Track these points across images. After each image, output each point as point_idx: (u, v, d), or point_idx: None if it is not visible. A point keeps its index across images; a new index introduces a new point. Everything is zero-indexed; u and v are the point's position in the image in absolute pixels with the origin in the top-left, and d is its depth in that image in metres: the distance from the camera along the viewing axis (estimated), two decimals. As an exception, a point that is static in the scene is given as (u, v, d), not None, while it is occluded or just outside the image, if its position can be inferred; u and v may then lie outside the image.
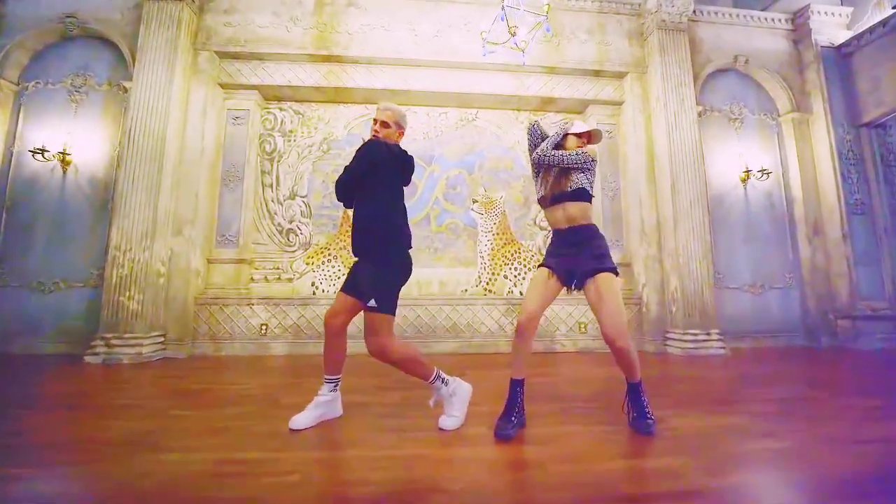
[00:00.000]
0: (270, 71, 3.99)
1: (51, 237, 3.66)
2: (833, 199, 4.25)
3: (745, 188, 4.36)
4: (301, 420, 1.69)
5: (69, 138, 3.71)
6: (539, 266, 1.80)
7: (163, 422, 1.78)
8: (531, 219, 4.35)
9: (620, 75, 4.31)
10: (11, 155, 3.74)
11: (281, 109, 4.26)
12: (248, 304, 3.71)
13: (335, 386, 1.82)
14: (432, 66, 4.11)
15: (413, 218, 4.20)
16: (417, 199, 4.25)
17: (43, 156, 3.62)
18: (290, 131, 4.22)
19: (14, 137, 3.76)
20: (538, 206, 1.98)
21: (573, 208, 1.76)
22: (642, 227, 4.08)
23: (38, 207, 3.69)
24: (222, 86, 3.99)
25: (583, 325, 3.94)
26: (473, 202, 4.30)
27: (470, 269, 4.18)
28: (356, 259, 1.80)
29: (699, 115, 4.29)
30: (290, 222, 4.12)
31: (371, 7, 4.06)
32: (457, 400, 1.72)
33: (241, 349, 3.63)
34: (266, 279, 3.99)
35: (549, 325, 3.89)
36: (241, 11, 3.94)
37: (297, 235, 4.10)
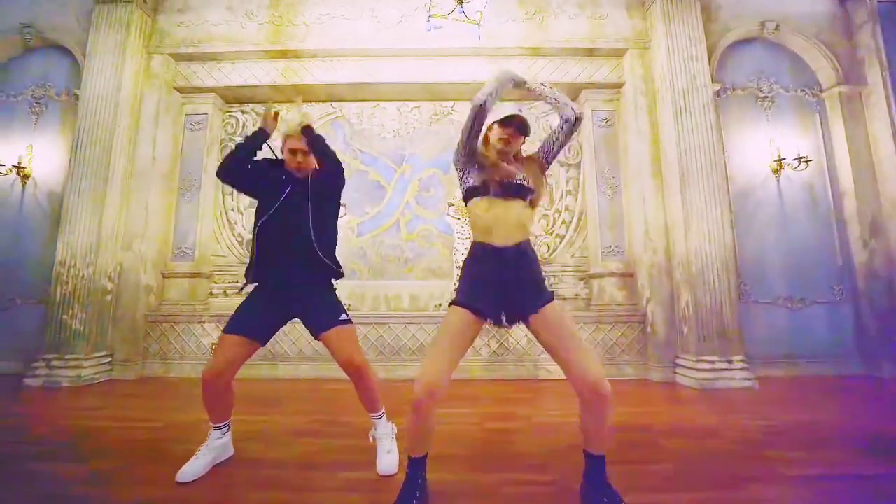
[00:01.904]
0: (227, 72, 3.73)
1: (9, 252, 3.57)
2: (896, 191, 3.40)
3: (779, 180, 3.59)
4: (190, 470, 1.47)
5: (28, 151, 3.62)
6: (453, 304, 1.31)
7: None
8: (516, 223, 3.81)
9: (618, 53, 3.69)
10: (-25, 170, 3.71)
11: (243, 112, 4.00)
12: (200, 322, 3.44)
13: (227, 429, 1.65)
14: (398, 55, 3.69)
15: (381, 225, 3.81)
16: (386, 203, 3.84)
17: (-1, 170, 3.54)
18: (252, 135, 3.94)
19: (-22, 152, 3.73)
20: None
21: (524, 213, 1.34)
22: (647, 230, 3.44)
23: (-2, 222, 3.62)
24: (179, 90, 3.78)
25: (574, 347, 3.35)
26: (449, 205, 3.82)
27: (445, 281, 3.70)
28: (285, 288, 1.60)
29: (716, 94, 3.59)
30: (252, 232, 3.82)
31: (330, -6, 3.71)
32: (391, 436, 1.66)
33: (192, 370, 3.35)
34: (225, 293, 3.72)
35: (531, 346, 3.33)
36: (195, 9, 3.71)
37: (257, 246, 3.80)
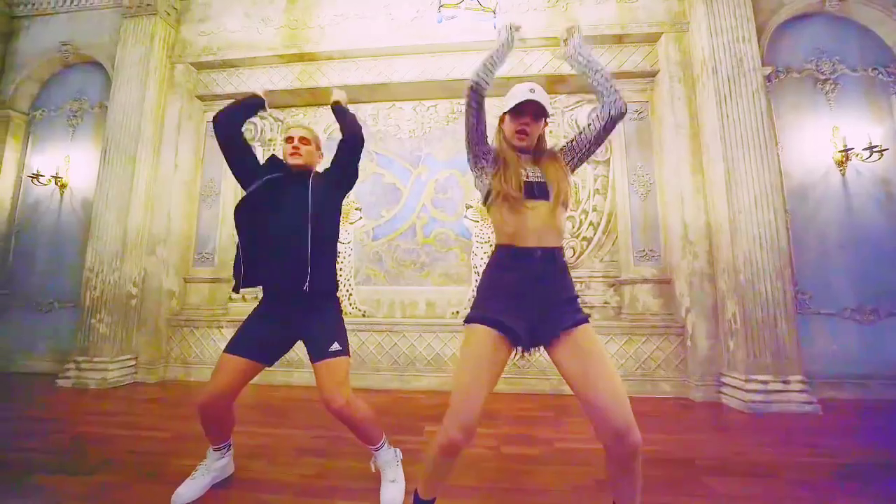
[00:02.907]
0: (244, 78, 3.76)
1: (49, 259, 3.77)
2: None
3: (844, 174, 3.13)
4: (186, 492, 1.43)
5: (65, 162, 3.81)
6: (472, 321, 1.10)
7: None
8: (538, 225, 3.57)
9: (652, 38, 3.36)
10: (21, 182, 3.95)
11: (261, 118, 4.01)
12: (218, 327, 3.47)
13: (227, 450, 1.57)
14: (414, 52, 3.56)
15: (397, 229, 3.69)
16: (402, 207, 3.71)
17: (39, 180, 3.74)
18: (270, 140, 3.95)
19: (24, 165, 3.97)
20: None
21: (552, 215, 1.13)
22: (685, 233, 3.10)
23: (40, 230, 3.84)
24: (200, 98, 3.85)
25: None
26: (467, 208, 3.64)
27: (462, 287, 3.53)
28: (289, 304, 1.49)
29: (767, 79, 3.19)
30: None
31: (344, -5, 3.64)
32: (396, 464, 1.53)
33: (209, 375, 3.37)
34: (244, 298, 3.73)
35: (555, 359, 3.08)
36: (214, 18, 3.76)
37: (274, 251, 3.80)
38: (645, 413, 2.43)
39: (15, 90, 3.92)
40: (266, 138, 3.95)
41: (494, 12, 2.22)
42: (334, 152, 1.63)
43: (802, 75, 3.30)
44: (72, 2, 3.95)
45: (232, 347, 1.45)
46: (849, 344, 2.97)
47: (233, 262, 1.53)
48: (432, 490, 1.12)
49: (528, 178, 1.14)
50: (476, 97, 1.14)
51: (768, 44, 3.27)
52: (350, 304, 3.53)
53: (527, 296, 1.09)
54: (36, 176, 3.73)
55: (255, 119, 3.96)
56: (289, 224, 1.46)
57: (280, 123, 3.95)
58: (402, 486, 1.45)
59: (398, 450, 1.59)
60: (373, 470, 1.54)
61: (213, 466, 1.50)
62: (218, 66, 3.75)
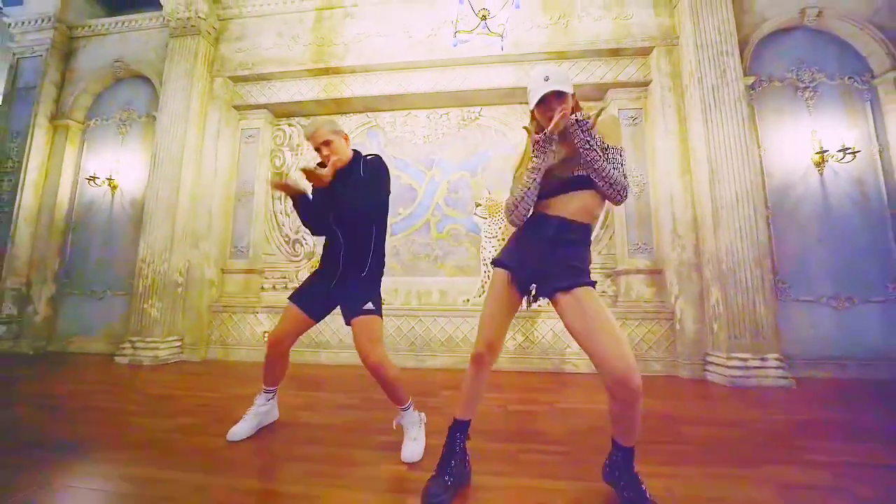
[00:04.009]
0: (276, 90, 4.18)
1: (102, 252, 4.22)
2: (962, 182, 3.13)
3: (822, 174, 3.42)
4: (239, 431, 1.73)
5: (116, 165, 4.27)
6: (495, 264, 1.34)
7: (106, 428, 1.85)
8: (541, 222, 3.91)
9: (645, 51, 3.70)
10: (77, 183, 4.42)
11: (290, 125, 4.43)
12: (254, 313, 3.87)
13: (273, 396, 1.84)
14: (428, 66, 3.94)
15: (413, 225, 4.07)
16: (417, 205, 4.09)
17: (95, 182, 4.20)
18: (298, 145, 4.36)
19: (79, 168, 4.44)
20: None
21: (588, 199, 1.26)
22: (675, 227, 3.42)
23: (94, 227, 4.29)
24: (236, 107, 4.28)
25: (599, 343, 3.39)
26: (477, 206, 4.01)
27: (472, 278, 3.88)
28: (334, 275, 1.71)
29: (751, 87, 3.51)
30: (296, 233, 4.23)
31: (366, 15, 4.05)
32: (419, 425, 1.67)
33: (246, 355, 3.78)
34: (274, 287, 4.14)
35: (556, 341, 3.42)
36: (250, 37, 4.19)
37: (302, 246, 4.20)
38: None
39: (73, 102, 4.40)
40: (294, 144, 4.37)
41: (502, 36, 2.58)
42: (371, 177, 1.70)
43: (784, 83, 3.60)
44: (123, 24, 4.43)
45: (293, 296, 1.75)
46: (826, 328, 3.26)
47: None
48: (468, 411, 1.34)
49: (567, 172, 1.25)
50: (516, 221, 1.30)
51: (752, 55, 3.59)
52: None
53: (534, 252, 1.27)
54: (92, 178, 4.19)
55: (284, 126, 4.40)
56: (335, 213, 1.72)
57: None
58: (422, 446, 1.57)
59: (423, 413, 1.71)
60: (394, 427, 1.65)
61: (259, 411, 1.78)
62: (252, 79, 4.18)
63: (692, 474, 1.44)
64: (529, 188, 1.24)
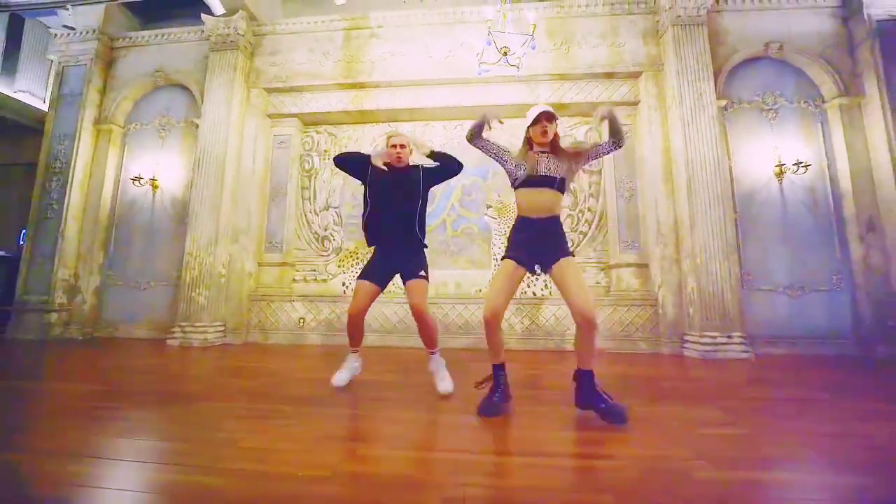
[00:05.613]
0: (307, 100, 4.63)
1: (144, 246, 4.61)
2: (891, 192, 3.79)
3: (781, 183, 4.06)
4: (340, 377, 2.25)
5: (157, 167, 4.66)
6: (504, 258, 1.88)
7: (206, 386, 2.32)
8: (544, 222, 4.46)
9: (635, 75, 4.28)
10: (119, 183, 4.79)
11: (318, 133, 4.88)
12: (290, 301, 4.33)
13: (358, 353, 2.36)
14: (446, 83, 4.45)
15: (431, 224, 4.55)
16: (435, 206, 4.60)
17: (139, 182, 4.59)
18: (325, 151, 4.82)
19: (121, 169, 4.81)
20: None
21: (553, 197, 1.83)
22: (659, 227, 4.01)
23: (136, 223, 4.68)
24: (270, 116, 4.71)
25: (595, 326, 3.97)
26: (487, 207, 4.54)
27: (484, 271, 4.42)
28: (390, 250, 2.24)
29: (724, 108, 4.13)
30: (325, 230, 4.70)
31: (391, 36, 4.53)
32: (444, 367, 2.22)
33: (283, 339, 4.24)
34: (305, 279, 4.60)
35: (558, 324, 3.99)
36: (283, 52, 4.63)
37: (330, 241, 4.67)
38: (625, 362, 3.33)
39: (115, 108, 4.76)
40: (322, 149, 4.83)
41: (518, 67, 3.11)
42: (441, 165, 2.27)
43: (752, 106, 4.23)
44: (162, 36, 4.81)
45: (363, 275, 2.23)
46: (782, 312, 3.90)
47: (361, 226, 2.35)
48: (495, 356, 1.85)
49: (536, 172, 1.81)
50: (476, 144, 1.98)
51: (725, 81, 4.21)
52: (393, 284, 4.40)
53: (531, 243, 1.83)
54: (137, 178, 4.58)
55: (312, 133, 4.85)
56: (399, 202, 2.22)
57: (333, 137, 4.82)
58: (451, 383, 2.12)
59: (444, 359, 2.25)
60: (428, 372, 2.20)
61: (351, 365, 2.30)
62: (285, 90, 4.62)
63: (665, 407, 2.00)
64: (499, 147, 1.98)
